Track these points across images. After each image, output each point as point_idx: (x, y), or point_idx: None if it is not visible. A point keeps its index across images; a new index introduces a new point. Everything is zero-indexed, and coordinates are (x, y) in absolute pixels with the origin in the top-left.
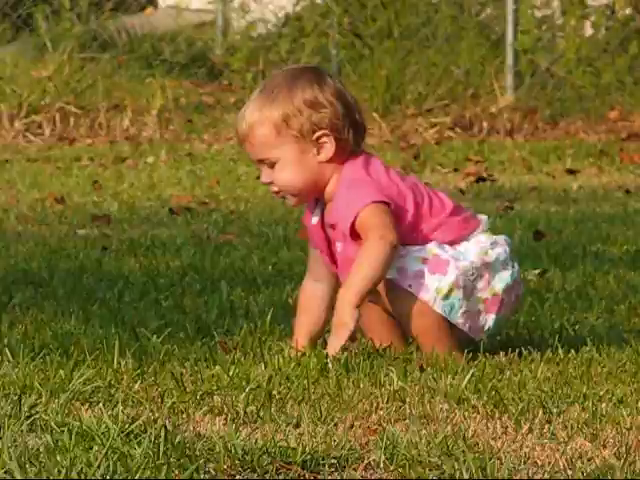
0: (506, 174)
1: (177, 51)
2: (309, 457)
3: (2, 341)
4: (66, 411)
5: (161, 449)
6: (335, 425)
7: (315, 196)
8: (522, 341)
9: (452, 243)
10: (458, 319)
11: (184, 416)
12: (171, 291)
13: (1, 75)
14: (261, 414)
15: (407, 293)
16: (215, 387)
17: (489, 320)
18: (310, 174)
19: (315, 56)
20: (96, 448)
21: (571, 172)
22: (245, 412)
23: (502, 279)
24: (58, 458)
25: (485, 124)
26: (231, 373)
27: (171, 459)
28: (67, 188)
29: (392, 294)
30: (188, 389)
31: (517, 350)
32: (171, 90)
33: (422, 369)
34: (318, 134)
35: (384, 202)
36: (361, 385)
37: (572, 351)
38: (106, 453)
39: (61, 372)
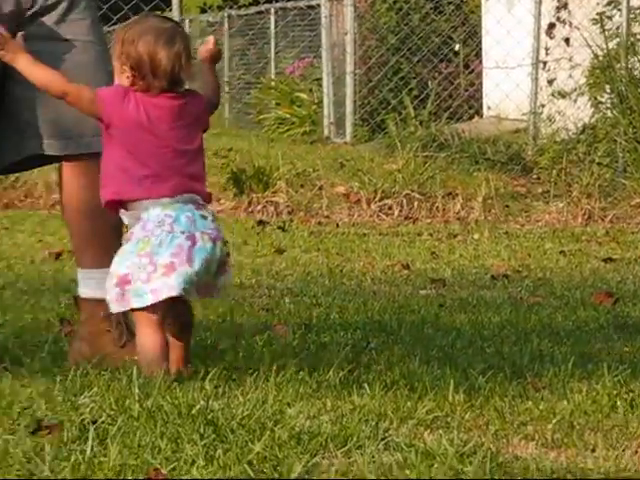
0: None
1: (498, 151)
2: (602, 476)
3: (361, 377)
4: (413, 435)
5: (487, 467)
6: (623, 451)
7: None
8: None
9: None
10: (149, 301)
11: (504, 441)
12: (493, 341)
13: (360, 167)
14: (564, 441)
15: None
16: (528, 418)
17: (172, 280)
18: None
19: (605, 158)
20: (436, 465)
21: None
22: (552, 439)
23: (162, 254)
24: (407, 472)
25: None
26: (540, 407)
27: (495, 476)
28: (411, 257)
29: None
30: (507, 419)
31: None
32: (493, 182)
33: None
34: (125, 66)
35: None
36: None
37: None
38: (444, 470)
39: (408, 403)
